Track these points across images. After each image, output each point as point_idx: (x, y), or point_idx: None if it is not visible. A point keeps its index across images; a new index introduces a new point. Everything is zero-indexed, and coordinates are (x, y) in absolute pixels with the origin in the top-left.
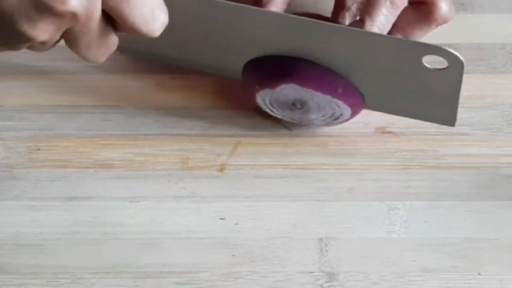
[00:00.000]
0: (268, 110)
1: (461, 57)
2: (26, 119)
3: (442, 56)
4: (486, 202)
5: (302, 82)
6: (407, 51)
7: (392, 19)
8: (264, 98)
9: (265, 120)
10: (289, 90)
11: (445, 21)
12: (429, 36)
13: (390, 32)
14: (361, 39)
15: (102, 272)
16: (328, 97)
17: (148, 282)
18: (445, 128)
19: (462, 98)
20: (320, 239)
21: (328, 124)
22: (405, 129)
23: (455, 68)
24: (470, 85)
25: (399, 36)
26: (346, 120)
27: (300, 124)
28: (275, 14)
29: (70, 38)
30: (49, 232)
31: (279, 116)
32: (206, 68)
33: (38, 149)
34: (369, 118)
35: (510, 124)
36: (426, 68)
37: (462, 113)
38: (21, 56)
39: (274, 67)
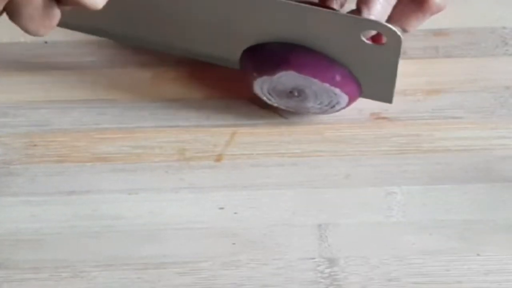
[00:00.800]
0: (265, 99)
1: (399, 32)
2: (21, 115)
3: (382, 32)
4: (482, 184)
5: (300, 69)
6: (346, 25)
7: (389, 8)
8: (262, 86)
9: (261, 109)
10: (287, 78)
11: (439, 10)
12: None
13: (386, 21)
14: (305, 13)
15: (103, 265)
16: (326, 85)
17: (150, 273)
18: (439, 112)
19: (455, 83)
20: (319, 225)
21: (324, 112)
22: (399, 114)
23: (394, 43)
24: (462, 69)
25: (395, 26)
26: (342, 108)
27: (296, 112)
28: (272, 1)
29: (12, 8)
30: (48, 227)
31: (275, 105)
32: (204, 57)
33: (35, 145)
34: (363, 104)
35: (503, 107)
36: (364, 43)
37: (455, 97)
38: (15, 52)
39: (273, 55)
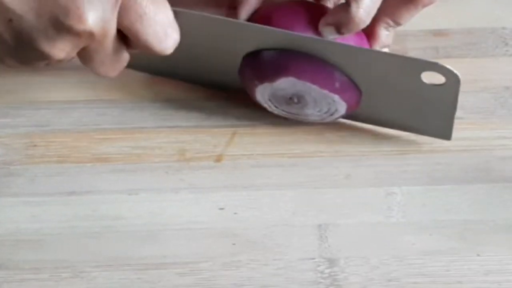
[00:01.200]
0: (266, 106)
1: (457, 73)
2: (21, 116)
3: (440, 72)
4: (482, 184)
5: (299, 75)
6: (406, 67)
7: (378, 2)
8: (263, 93)
9: (261, 110)
10: (287, 84)
11: (430, 1)
12: (420, 22)
13: (377, 16)
14: (359, 55)
15: (103, 265)
16: (325, 92)
17: (150, 274)
18: None
19: None
20: (320, 226)
21: (323, 119)
22: None
23: (452, 83)
24: (462, 70)
25: (387, 20)
26: (341, 116)
27: (296, 119)
28: (264, 29)
29: (85, 55)
30: (49, 227)
31: (276, 112)
32: (206, 81)
33: (35, 145)
34: None
35: (503, 107)
36: (424, 83)
37: None
38: None
39: (273, 61)
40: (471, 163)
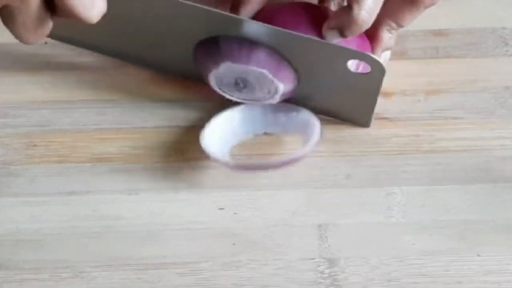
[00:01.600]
0: (223, 94)
1: (382, 63)
2: (21, 116)
3: (367, 62)
4: (482, 185)
5: (233, 59)
6: (334, 55)
7: (380, 3)
8: (215, 81)
9: None
10: (227, 69)
11: (433, 3)
12: (420, 22)
13: (379, 19)
14: (292, 39)
15: (103, 265)
16: (262, 71)
17: (150, 274)
18: (439, 112)
19: (455, 83)
20: (320, 226)
21: (273, 100)
22: (399, 114)
23: (377, 73)
24: (462, 69)
25: (390, 22)
26: (286, 95)
27: (253, 104)
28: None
29: (7, 14)
30: (49, 227)
31: (234, 99)
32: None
33: (35, 145)
34: None
35: (503, 107)
36: (350, 71)
37: (455, 97)
38: (15, 52)
39: (214, 48)
40: (471, 163)
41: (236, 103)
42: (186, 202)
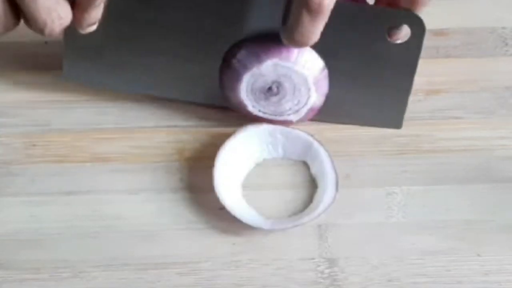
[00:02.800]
0: (244, 105)
1: (423, 22)
2: (21, 115)
3: (406, 22)
4: (482, 185)
5: (281, 56)
6: (370, 19)
7: None
8: (244, 85)
9: None
10: (270, 68)
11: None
12: None
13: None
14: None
15: (103, 265)
16: (304, 73)
17: (150, 274)
18: (439, 112)
19: (455, 83)
20: (319, 226)
21: (297, 115)
22: None
23: (417, 35)
24: (462, 69)
25: None
26: (312, 111)
27: (274, 120)
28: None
29: None
30: (48, 227)
31: (254, 111)
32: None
33: (34, 145)
34: None
35: (503, 107)
36: (387, 43)
37: (455, 97)
38: (15, 52)
39: (259, 47)
40: (471, 163)
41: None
42: (186, 202)
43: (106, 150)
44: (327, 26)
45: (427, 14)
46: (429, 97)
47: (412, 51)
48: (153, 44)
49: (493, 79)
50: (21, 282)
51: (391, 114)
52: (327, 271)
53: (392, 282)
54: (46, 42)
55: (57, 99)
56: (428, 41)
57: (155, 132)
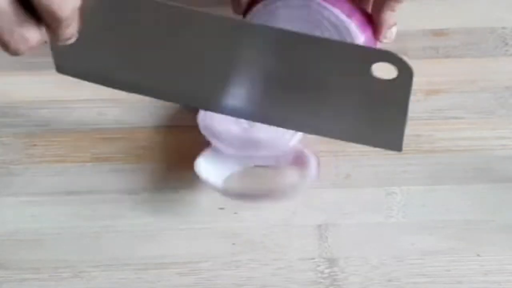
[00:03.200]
0: None
1: (410, 65)
2: (21, 115)
3: (393, 63)
4: (482, 184)
5: None
6: (355, 57)
7: None
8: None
9: None
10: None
11: None
12: (420, 22)
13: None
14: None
15: (103, 265)
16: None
17: (150, 274)
18: (439, 112)
19: (455, 83)
20: (319, 226)
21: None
22: None
23: (405, 76)
24: (462, 69)
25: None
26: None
27: None
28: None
29: None
30: (48, 227)
31: None
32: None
33: (35, 145)
34: None
35: (503, 107)
36: (374, 78)
37: (455, 97)
38: None
39: None
40: (471, 163)
41: None
42: (186, 202)
43: (106, 150)
44: (315, 61)
45: (427, 15)
46: (429, 97)
47: (401, 90)
48: (139, 38)
49: (493, 79)
50: (21, 282)
51: (391, 139)
52: (327, 271)
53: (392, 282)
54: (46, 42)
55: (57, 99)
56: (428, 41)
57: (155, 132)
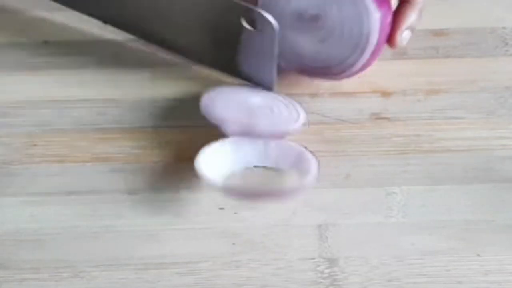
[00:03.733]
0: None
1: (273, 21)
2: (21, 115)
3: (257, 19)
4: (482, 184)
5: None
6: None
7: None
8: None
9: None
10: None
11: None
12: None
13: None
14: None
15: (103, 265)
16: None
17: (150, 273)
18: (439, 112)
19: (455, 83)
20: (319, 226)
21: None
22: (399, 114)
23: (268, 30)
24: (462, 69)
25: None
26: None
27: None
28: None
29: None
30: (48, 227)
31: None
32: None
33: (35, 145)
34: (363, 104)
35: (503, 107)
36: (243, 27)
37: (455, 97)
38: (15, 52)
39: None
40: (471, 163)
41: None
42: (186, 202)
43: (106, 150)
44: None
45: (427, 15)
46: (429, 97)
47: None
48: None
49: (493, 79)
50: (21, 282)
51: (264, 79)
52: (327, 271)
53: (392, 282)
54: (46, 42)
55: (57, 99)
56: (428, 41)
57: (155, 132)
